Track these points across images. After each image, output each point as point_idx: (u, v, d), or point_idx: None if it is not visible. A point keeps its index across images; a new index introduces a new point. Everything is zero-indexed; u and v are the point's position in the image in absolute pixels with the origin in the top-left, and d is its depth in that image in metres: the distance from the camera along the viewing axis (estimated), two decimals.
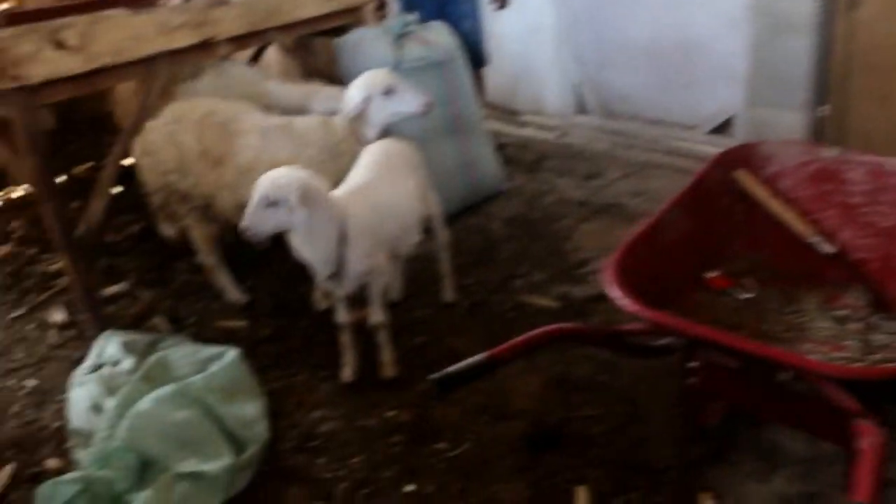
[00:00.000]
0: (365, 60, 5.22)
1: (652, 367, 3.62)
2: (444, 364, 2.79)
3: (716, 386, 2.92)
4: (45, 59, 4.09)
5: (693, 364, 2.87)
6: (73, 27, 4.17)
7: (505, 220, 5.56)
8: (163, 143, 4.45)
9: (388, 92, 4.27)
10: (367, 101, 4.29)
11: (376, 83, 4.31)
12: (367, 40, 5.37)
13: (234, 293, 4.76)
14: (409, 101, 4.28)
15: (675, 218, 3.30)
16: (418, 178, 4.18)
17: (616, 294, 2.70)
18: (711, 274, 3.46)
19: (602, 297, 4.04)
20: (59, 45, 4.14)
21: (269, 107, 4.87)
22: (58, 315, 4.83)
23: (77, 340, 4.59)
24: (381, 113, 4.31)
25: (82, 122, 8.86)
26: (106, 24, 4.30)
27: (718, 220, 3.56)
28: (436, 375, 2.74)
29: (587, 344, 3.49)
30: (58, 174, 7.29)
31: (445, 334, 4.29)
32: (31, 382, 4.29)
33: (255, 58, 6.80)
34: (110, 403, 3.64)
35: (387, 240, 3.86)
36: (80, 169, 7.11)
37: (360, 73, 4.49)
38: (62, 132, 8.63)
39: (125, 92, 5.61)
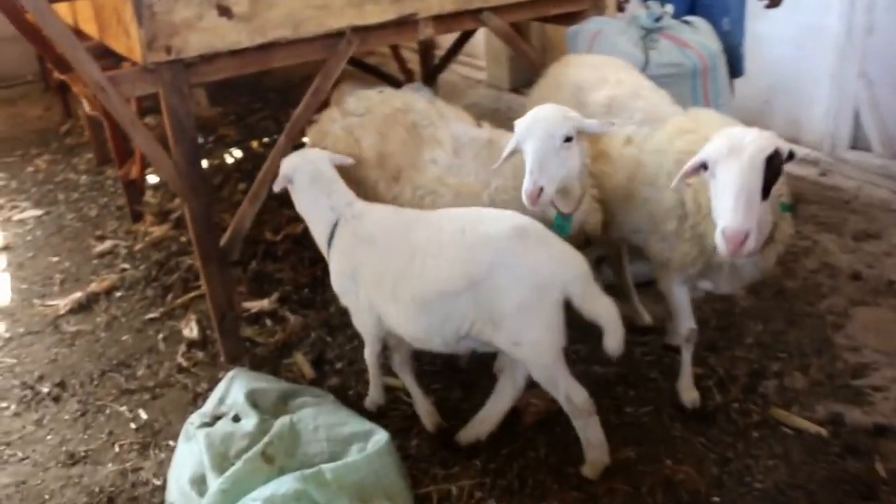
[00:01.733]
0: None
1: None
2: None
3: None
4: (206, 27, 3.28)
5: None
6: None
7: (750, 286, 4.24)
8: (338, 136, 3.57)
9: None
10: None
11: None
12: (607, 32, 4.19)
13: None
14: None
15: None
16: None
17: None
18: None
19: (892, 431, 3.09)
20: (225, 11, 3.31)
21: None
22: (191, 329, 4.09)
23: (205, 366, 3.85)
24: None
25: (271, 89, 8.33)
26: None
27: None
28: None
29: None
30: (237, 144, 6.79)
31: (661, 452, 3.11)
32: (143, 414, 3.57)
33: (457, 46, 5.84)
34: (215, 483, 2.79)
35: None
36: (256, 143, 6.48)
37: None
38: (248, 97, 8.14)
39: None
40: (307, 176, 3.20)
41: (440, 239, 2.81)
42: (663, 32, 4.04)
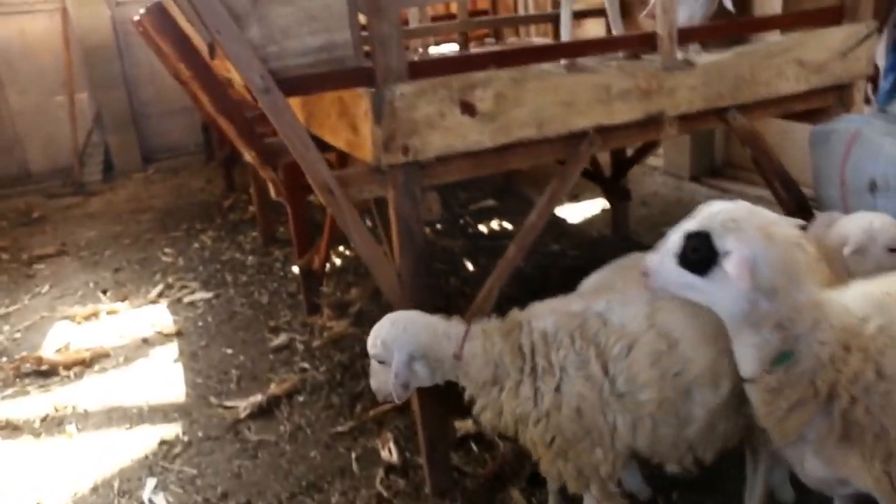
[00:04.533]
0: (861, 161, 3.50)
1: None
2: None
3: None
4: (447, 126, 2.91)
5: None
6: (490, 85, 2.95)
7: None
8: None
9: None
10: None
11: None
12: (869, 134, 3.59)
13: None
14: None
15: None
16: None
17: None
18: None
19: None
20: (468, 108, 2.94)
21: None
22: (389, 451, 3.65)
23: (408, 498, 3.37)
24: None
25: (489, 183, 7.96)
26: (533, 85, 3.04)
27: None
28: None
29: None
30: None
31: None
32: None
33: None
34: None
35: None
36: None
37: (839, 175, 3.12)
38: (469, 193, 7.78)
39: None
40: None
41: None
42: None
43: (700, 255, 2.18)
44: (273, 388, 4.34)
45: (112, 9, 10.18)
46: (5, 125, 10.05)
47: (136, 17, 6.48)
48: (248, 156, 4.35)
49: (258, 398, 4.23)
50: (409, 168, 2.91)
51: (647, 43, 3.45)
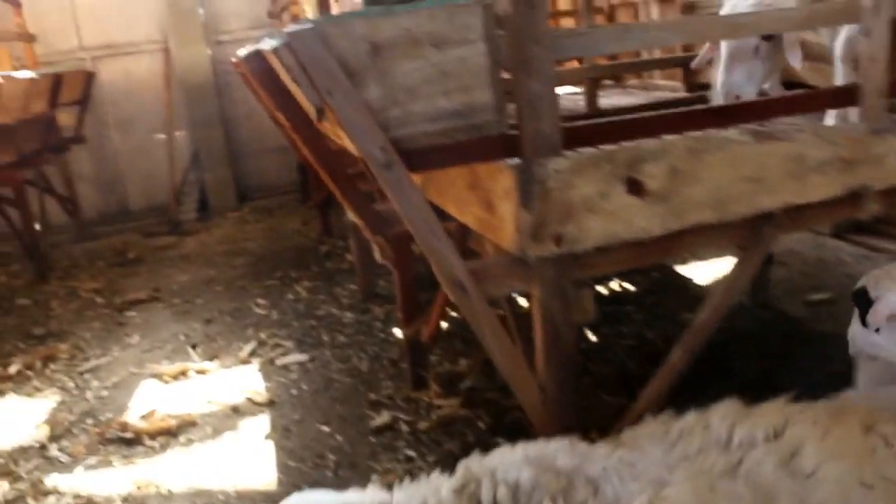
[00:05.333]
0: None
1: None
2: None
3: None
4: (610, 209, 2.34)
5: None
6: (663, 157, 2.37)
7: None
8: None
9: None
10: None
11: None
12: None
13: None
14: None
15: None
16: None
17: None
18: None
19: None
20: (635, 186, 2.36)
21: None
22: None
23: None
24: None
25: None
26: (714, 157, 2.44)
27: None
28: None
29: None
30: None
31: None
32: None
33: None
34: None
35: None
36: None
37: None
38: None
39: None
40: None
41: None
42: None
43: (862, 308, 2.34)
44: (374, 481, 3.81)
45: (212, 48, 10.09)
46: (109, 163, 10.12)
47: (234, 59, 6.21)
48: (353, 217, 3.87)
49: None
50: (561, 261, 2.35)
51: (845, 101, 2.80)
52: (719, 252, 6.33)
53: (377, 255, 4.38)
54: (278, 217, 9.69)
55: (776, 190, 2.57)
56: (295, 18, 7.99)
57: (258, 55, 3.05)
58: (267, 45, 2.29)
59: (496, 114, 2.24)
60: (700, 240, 2.61)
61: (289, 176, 10.36)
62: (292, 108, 3.30)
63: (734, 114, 2.63)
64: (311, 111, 2.20)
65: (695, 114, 2.60)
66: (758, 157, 2.53)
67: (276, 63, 2.78)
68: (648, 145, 2.35)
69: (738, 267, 2.71)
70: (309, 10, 6.93)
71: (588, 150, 2.32)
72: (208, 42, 10.06)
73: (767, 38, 2.76)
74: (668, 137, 2.46)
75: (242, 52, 4.88)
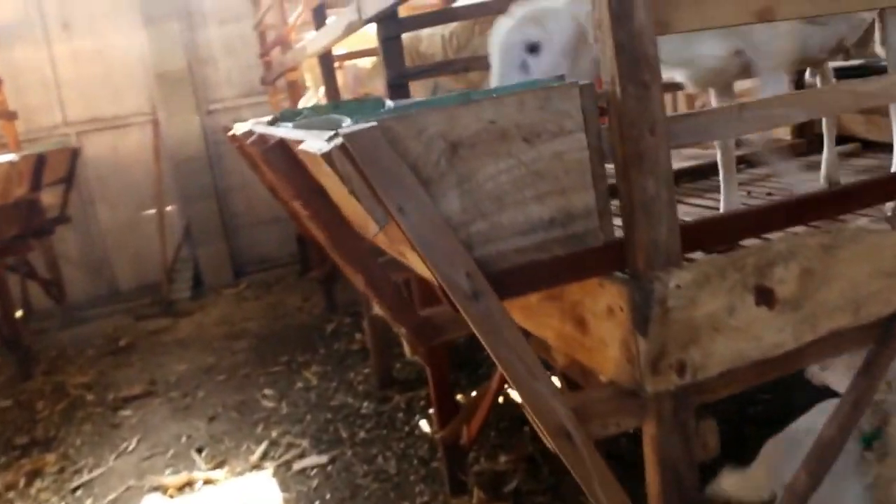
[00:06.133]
0: None
1: None
2: None
3: None
4: (737, 325, 1.89)
5: None
6: (794, 258, 1.94)
7: None
8: None
9: None
10: None
11: None
12: None
13: None
14: None
15: None
16: None
17: None
18: None
19: None
20: (765, 295, 1.92)
21: None
22: None
23: None
24: None
25: None
26: (848, 252, 2.01)
27: None
28: None
29: None
30: None
31: None
32: None
33: None
34: None
35: None
36: None
37: None
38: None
39: None
40: None
41: None
42: None
43: None
44: None
45: (203, 117, 9.71)
46: (95, 244, 9.62)
47: (233, 133, 5.79)
48: (392, 323, 3.40)
49: None
50: (682, 391, 1.90)
51: None
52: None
53: (407, 352, 3.92)
54: (278, 292, 9.19)
55: None
56: (292, 86, 7.63)
57: (281, 144, 2.62)
58: (308, 141, 1.85)
59: (599, 219, 1.80)
60: (829, 348, 2.17)
61: (287, 248, 9.90)
62: (314, 196, 2.87)
63: (861, 196, 2.21)
64: (364, 223, 1.76)
65: (818, 199, 2.18)
66: (894, 248, 2.11)
67: (307, 156, 2.35)
68: (777, 247, 1.92)
69: (862, 377, 2.27)
70: (310, 78, 6.56)
71: (710, 257, 1.89)
72: (199, 111, 9.69)
73: (532, 49, 2.25)
74: (795, 231, 2.03)
75: (241, 127, 4.46)
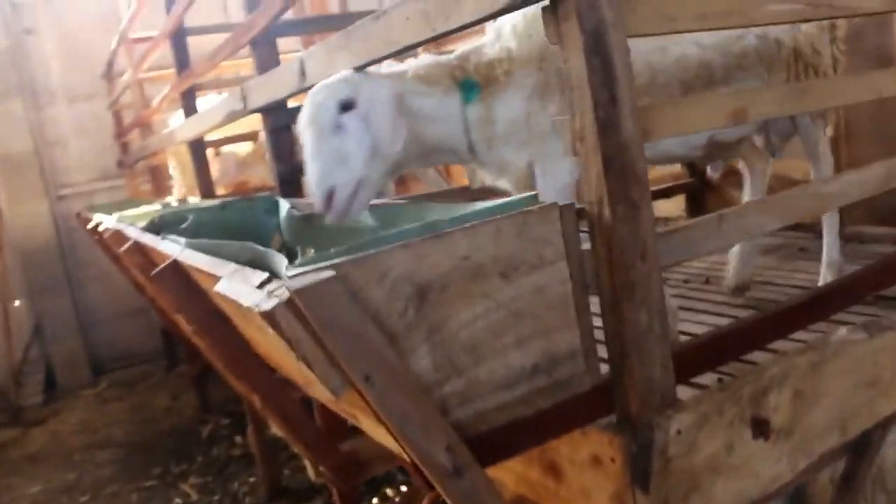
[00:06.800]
0: None
1: None
2: None
3: None
4: (736, 463, 1.68)
5: None
6: (786, 381, 1.76)
7: None
8: None
9: None
10: None
11: None
12: None
13: None
14: None
15: None
16: None
17: None
18: None
19: None
20: (760, 427, 1.72)
21: None
22: None
23: None
24: None
25: None
26: (833, 367, 1.86)
27: None
28: None
29: None
30: None
31: None
32: None
33: None
34: None
35: None
36: None
37: None
38: None
39: None
40: None
41: None
42: None
43: None
44: None
45: (52, 203, 8.91)
46: None
47: (93, 226, 5.22)
48: (310, 463, 2.99)
49: None
50: None
51: None
52: None
53: (311, 474, 3.50)
54: (143, 392, 8.39)
55: (890, 391, 2.03)
56: (154, 171, 7.08)
57: (175, 266, 2.22)
58: (229, 283, 1.49)
59: (585, 361, 1.54)
60: (811, 468, 1.99)
61: (151, 341, 9.11)
62: (210, 318, 2.47)
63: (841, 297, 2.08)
64: (305, 381, 1.42)
65: (797, 309, 2.02)
66: (873, 356, 1.97)
67: (224, 298, 1.97)
68: (771, 370, 1.73)
69: (844, 485, 2.12)
70: (175, 162, 6.07)
71: (706, 393, 1.66)
72: (48, 197, 8.87)
73: (346, 107, 2.05)
74: (786, 351, 1.85)
75: (106, 222, 3.98)
